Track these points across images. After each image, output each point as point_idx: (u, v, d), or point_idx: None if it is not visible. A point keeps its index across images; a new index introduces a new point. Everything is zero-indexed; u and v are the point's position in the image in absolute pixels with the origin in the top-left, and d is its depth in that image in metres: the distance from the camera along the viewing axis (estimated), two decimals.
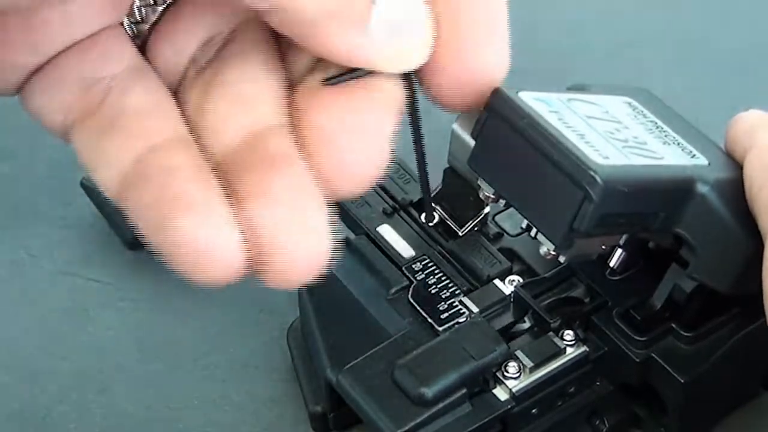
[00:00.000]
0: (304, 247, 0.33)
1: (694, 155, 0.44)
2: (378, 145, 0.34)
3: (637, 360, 0.46)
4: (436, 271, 0.50)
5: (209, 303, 0.55)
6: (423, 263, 0.50)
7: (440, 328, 0.48)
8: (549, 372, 0.47)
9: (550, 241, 0.41)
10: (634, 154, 0.41)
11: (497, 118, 0.40)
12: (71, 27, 0.33)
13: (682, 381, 0.46)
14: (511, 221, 0.51)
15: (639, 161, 0.41)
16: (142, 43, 0.35)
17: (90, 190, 0.57)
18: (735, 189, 0.43)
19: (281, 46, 0.35)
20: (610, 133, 0.41)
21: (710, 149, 0.45)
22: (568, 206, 0.40)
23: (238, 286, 0.56)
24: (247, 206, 0.32)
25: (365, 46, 0.33)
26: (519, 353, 0.47)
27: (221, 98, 0.34)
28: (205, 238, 0.32)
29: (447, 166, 0.49)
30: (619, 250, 0.48)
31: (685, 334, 0.47)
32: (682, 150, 0.44)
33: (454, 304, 0.49)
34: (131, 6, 0.34)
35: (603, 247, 0.47)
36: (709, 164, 0.44)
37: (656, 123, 0.44)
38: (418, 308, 0.49)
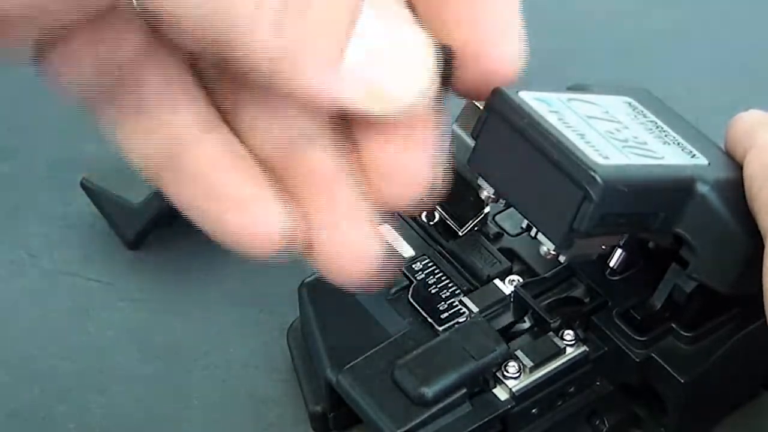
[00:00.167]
0: (355, 251, 0.33)
1: (694, 155, 0.44)
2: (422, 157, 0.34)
3: (637, 360, 0.46)
4: (436, 271, 0.50)
5: (209, 303, 0.55)
6: (423, 263, 0.50)
7: (440, 328, 0.48)
8: (549, 372, 0.47)
9: (550, 240, 0.41)
10: (634, 154, 0.41)
11: (497, 118, 0.40)
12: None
13: (682, 381, 0.46)
14: (511, 221, 0.51)
15: (639, 161, 0.41)
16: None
17: (90, 190, 0.57)
18: (735, 189, 0.43)
19: None
20: (610, 133, 0.41)
21: (710, 149, 0.45)
22: (568, 206, 0.40)
23: (238, 286, 0.56)
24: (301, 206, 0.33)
25: (335, 88, 0.31)
26: (519, 353, 0.47)
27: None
28: (256, 231, 0.32)
29: None
30: (619, 250, 0.48)
31: (685, 334, 0.47)
32: (682, 150, 0.44)
33: (454, 304, 0.49)
34: None
35: (603, 247, 0.47)
36: (709, 164, 0.44)
37: (656, 123, 0.44)
38: (418, 308, 0.49)
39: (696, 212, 0.43)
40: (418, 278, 0.50)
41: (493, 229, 0.51)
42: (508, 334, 0.48)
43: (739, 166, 0.44)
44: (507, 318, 0.48)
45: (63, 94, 0.33)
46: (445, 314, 0.48)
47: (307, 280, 0.50)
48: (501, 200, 0.43)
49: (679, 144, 0.44)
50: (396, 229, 0.51)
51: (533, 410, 0.47)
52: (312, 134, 0.33)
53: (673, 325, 0.47)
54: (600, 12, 0.67)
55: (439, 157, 0.34)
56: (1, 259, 0.57)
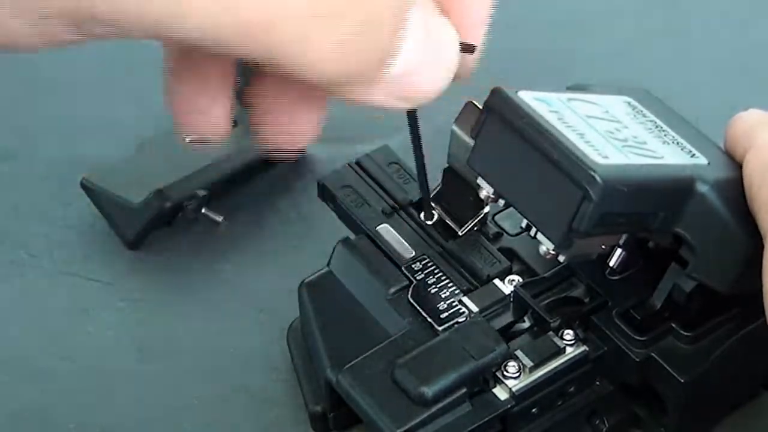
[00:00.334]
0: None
1: (693, 155, 0.44)
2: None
3: (637, 360, 0.46)
4: (435, 271, 0.50)
5: (209, 303, 0.55)
6: (423, 263, 0.50)
7: (440, 328, 0.48)
8: (549, 371, 0.47)
9: (550, 240, 0.41)
10: (633, 153, 0.41)
11: (497, 118, 0.40)
12: None
13: (682, 381, 0.46)
14: (511, 221, 0.51)
15: (638, 161, 0.41)
16: None
17: (90, 190, 0.57)
18: (734, 188, 0.43)
19: None
20: (610, 133, 0.42)
21: (710, 149, 0.45)
22: (568, 206, 0.40)
23: (238, 286, 0.56)
24: None
25: (372, 97, 0.34)
26: (519, 353, 0.47)
27: None
28: None
29: (447, 166, 0.49)
30: (619, 250, 0.48)
31: (685, 333, 0.47)
32: (682, 149, 0.44)
33: (454, 304, 0.49)
34: None
35: (603, 247, 0.47)
36: (709, 164, 0.44)
37: (656, 123, 0.44)
38: (418, 308, 0.49)
39: (695, 212, 0.43)
40: (417, 278, 0.50)
41: (492, 229, 0.51)
42: (507, 333, 0.48)
43: (738, 166, 0.44)
44: (507, 318, 0.48)
45: None
46: (445, 314, 0.48)
47: (307, 280, 0.50)
48: (500, 200, 0.43)
49: (678, 144, 0.44)
50: (396, 229, 0.51)
51: (533, 410, 0.47)
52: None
53: (673, 325, 0.47)
54: (600, 12, 0.67)
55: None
56: (1, 259, 0.57)
